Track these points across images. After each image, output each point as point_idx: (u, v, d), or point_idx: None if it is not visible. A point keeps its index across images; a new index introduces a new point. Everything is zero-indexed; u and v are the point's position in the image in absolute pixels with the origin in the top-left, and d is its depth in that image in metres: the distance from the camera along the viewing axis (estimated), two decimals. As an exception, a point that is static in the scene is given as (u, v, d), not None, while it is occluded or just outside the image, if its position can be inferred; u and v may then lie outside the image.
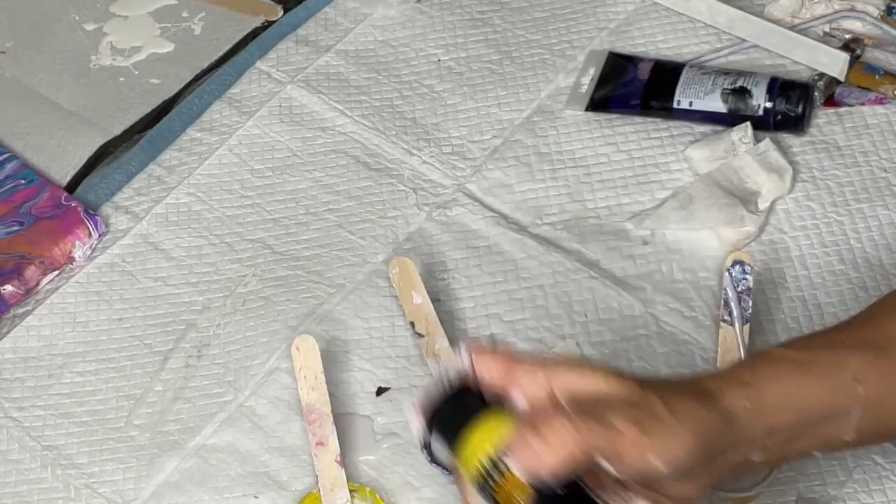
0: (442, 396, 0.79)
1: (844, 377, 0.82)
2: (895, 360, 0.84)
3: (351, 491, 0.98)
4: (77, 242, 1.15)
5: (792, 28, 1.23)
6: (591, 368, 0.79)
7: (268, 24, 1.32)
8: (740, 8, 1.25)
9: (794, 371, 0.82)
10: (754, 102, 1.16)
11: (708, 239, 1.11)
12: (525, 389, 0.78)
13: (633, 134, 1.19)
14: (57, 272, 1.14)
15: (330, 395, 1.04)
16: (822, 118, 1.19)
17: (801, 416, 0.82)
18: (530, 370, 0.78)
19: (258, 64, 1.28)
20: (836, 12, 1.24)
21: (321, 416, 0.99)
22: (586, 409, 0.76)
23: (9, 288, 1.12)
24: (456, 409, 0.78)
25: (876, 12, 1.24)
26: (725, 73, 1.19)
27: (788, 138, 1.17)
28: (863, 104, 1.19)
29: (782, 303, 1.07)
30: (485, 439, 0.76)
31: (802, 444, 0.84)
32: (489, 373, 0.79)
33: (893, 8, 1.24)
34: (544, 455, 0.74)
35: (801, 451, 0.85)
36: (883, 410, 0.84)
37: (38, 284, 1.13)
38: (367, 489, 0.98)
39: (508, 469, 0.75)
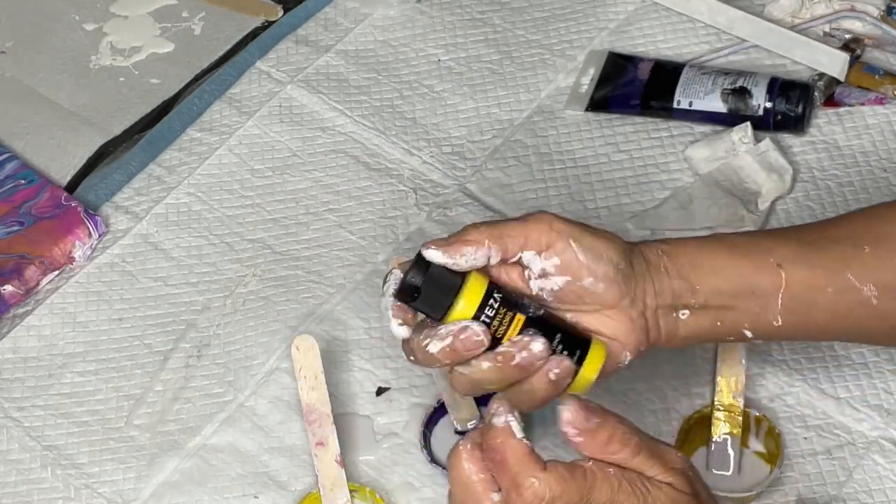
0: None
1: (768, 259, 0.87)
2: (823, 254, 0.88)
3: (351, 491, 0.98)
4: (77, 242, 1.15)
5: (792, 28, 1.23)
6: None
7: (268, 24, 1.32)
8: (740, 8, 1.25)
9: (720, 246, 0.88)
10: (754, 102, 1.16)
11: (708, 239, 1.11)
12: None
13: (633, 134, 1.19)
14: (57, 272, 1.14)
15: (330, 395, 1.04)
16: (822, 118, 1.19)
17: (721, 283, 0.87)
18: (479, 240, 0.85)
19: (258, 64, 1.28)
20: (836, 12, 1.24)
21: (321, 416, 0.99)
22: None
23: (9, 288, 1.12)
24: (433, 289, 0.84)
25: (876, 12, 1.24)
26: (725, 73, 1.19)
27: (788, 138, 1.17)
28: (863, 104, 1.19)
29: (782, 303, 1.07)
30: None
31: (730, 316, 0.88)
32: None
33: (893, 8, 1.24)
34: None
35: (732, 326, 0.89)
36: (810, 303, 0.88)
37: (38, 284, 1.13)
38: (367, 489, 0.98)
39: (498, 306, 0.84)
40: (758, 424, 0.99)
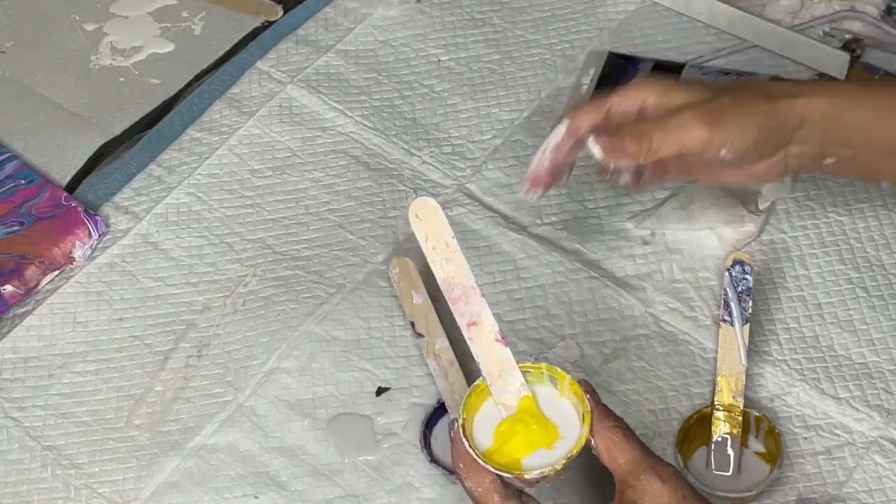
0: None
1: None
2: None
3: (522, 372, 0.85)
4: (77, 242, 1.15)
5: (792, 28, 1.23)
6: (675, 85, 0.92)
7: (268, 24, 1.32)
8: (740, 8, 1.25)
9: (878, 108, 0.92)
10: (754, 102, 1.16)
11: (708, 239, 1.11)
12: (617, 106, 0.93)
13: (633, 134, 1.19)
14: (57, 272, 1.14)
15: (329, 396, 1.05)
16: (822, 118, 1.19)
17: (876, 144, 0.92)
18: (623, 93, 0.93)
19: (258, 64, 1.28)
20: (836, 12, 1.24)
21: (466, 291, 0.85)
22: (665, 113, 0.91)
23: (9, 288, 1.12)
24: None
25: (876, 12, 1.24)
26: (725, 73, 1.19)
27: (788, 138, 1.17)
28: (863, 104, 1.19)
29: (782, 303, 1.07)
30: None
31: (871, 173, 0.96)
32: (586, 119, 0.93)
33: (893, 8, 1.24)
34: (624, 149, 0.90)
35: (869, 178, 0.99)
36: None
37: (38, 284, 1.13)
38: (544, 365, 0.85)
39: None
40: (758, 424, 0.99)
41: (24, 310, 1.13)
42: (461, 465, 0.84)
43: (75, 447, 1.04)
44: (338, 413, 1.03)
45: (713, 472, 0.98)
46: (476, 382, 0.86)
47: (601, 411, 0.85)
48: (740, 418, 0.98)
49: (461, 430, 0.83)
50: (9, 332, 1.11)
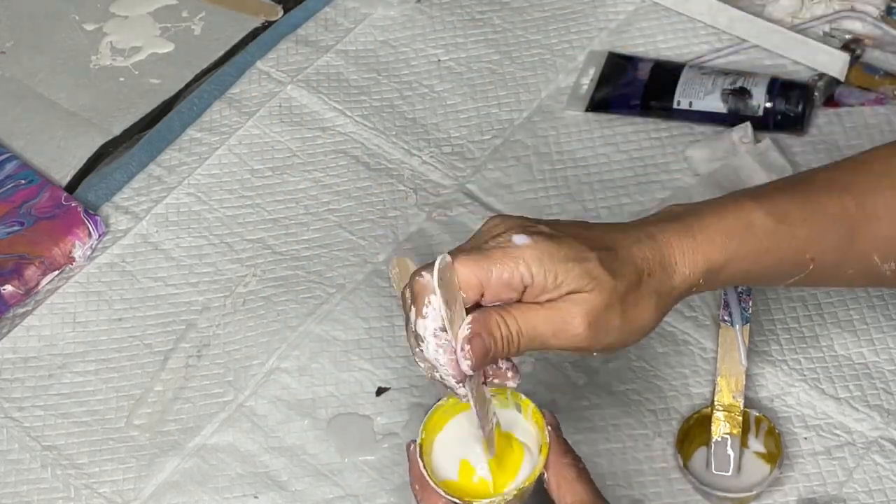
0: None
1: (804, 256, 0.86)
2: (860, 237, 0.87)
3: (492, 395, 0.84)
4: (77, 242, 1.15)
5: (792, 28, 1.23)
6: (566, 259, 0.80)
7: (268, 24, 1.32)
8: (740, 8, 1.25)
9: (763, 248, 0.84)
10: (754, 102, 1.16)
11: (708, 239, 1.11)
12: (497, 279, 0.79)
13: (633, 134, 1.19)
14: (57, 272, 1.14)
15: (329, 396, 1.05)
16: (822, 118, 1.19)
17: (751, 279, 0.88)
18: (504, 262, 0.79)
19: (258, 64, 1.28)
20: (836, 12, 1.24)
21: None
22: (547, 297, 0.80)
23: (9, 288, 1.12)
24: None
25: (876, 12, 1.24)
26: (725, 73, 1.19)
27: (788, 138, 1.17)
28: (863, 104, 1.19)
29: (782, 303, 1.07)
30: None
31: (744, 284, 0.94)
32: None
33: (893, 8, 1.24)
34: (494, 360, 0.80)
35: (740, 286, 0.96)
36: (828, 277, 0.88)
37: (38, 284, 1.13)
38: (509, 391, 0.84)
39: None
40: (758, 424, 0.99)
41: (24, 310, 1.13)
42: (417, 487, 0.83)
43: (75, 447, 1.04)
44: (338, 413, 1.03)
45: (713, 472, 0.98)
46: (439, 402, 0.85)
47: (560, 446, 0.83)
48: (740, 418, 0.98)
49: (418, 451, 0.83)
50: (9, 332, 1.11)
